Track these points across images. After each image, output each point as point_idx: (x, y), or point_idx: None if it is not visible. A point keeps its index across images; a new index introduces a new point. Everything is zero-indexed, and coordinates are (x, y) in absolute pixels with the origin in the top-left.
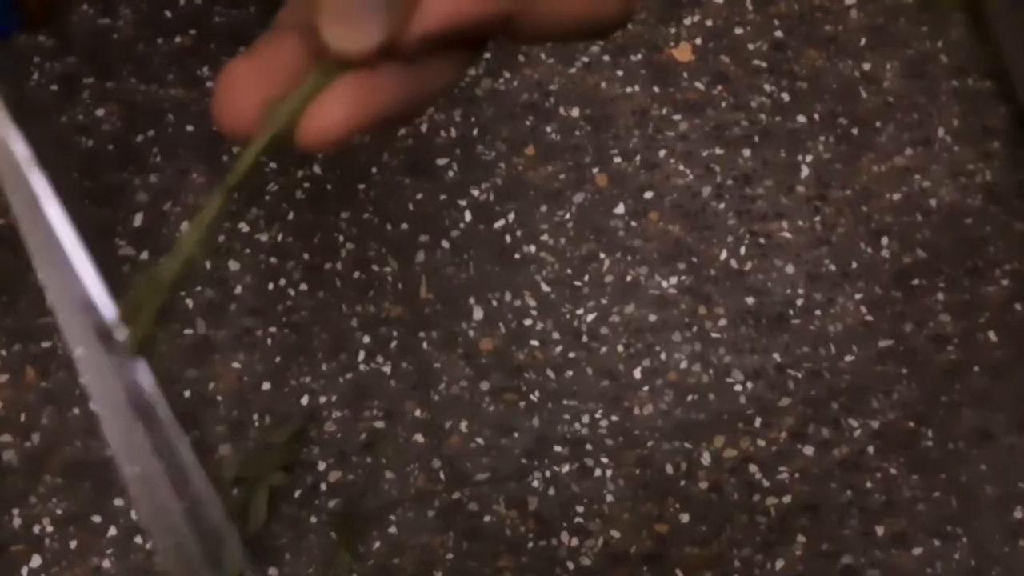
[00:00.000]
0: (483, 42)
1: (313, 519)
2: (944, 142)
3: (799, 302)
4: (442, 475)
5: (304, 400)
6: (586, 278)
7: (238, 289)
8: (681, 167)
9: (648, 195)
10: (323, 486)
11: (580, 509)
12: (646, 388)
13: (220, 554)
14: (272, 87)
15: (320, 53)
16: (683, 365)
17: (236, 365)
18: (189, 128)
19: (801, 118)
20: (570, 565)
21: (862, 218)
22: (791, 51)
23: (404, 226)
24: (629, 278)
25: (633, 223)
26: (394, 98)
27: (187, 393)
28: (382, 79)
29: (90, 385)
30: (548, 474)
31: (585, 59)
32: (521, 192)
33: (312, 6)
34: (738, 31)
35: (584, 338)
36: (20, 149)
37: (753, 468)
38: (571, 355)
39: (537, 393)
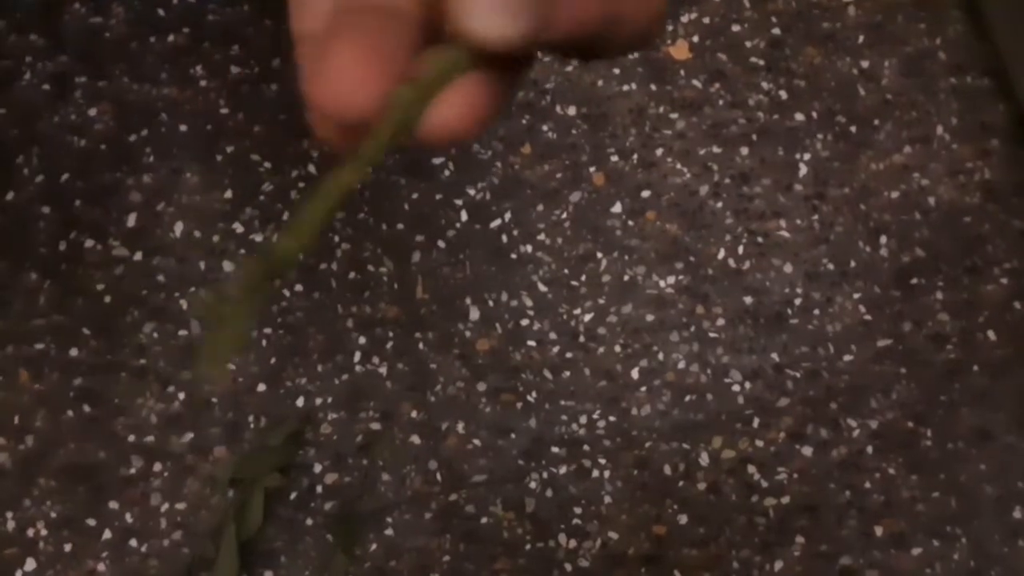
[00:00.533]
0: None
1: (309, 521)
2: (943, 140)
3: (797, 301)
4: (439, 477)
5: (300, 402)
6: (583, 278)
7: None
8: (678, 166)
9: (645, 194)
10: (319, 488)
11: (578, 510)
12: (644, 388)
13: None
14: (386, 75)
15: (450, 40)
16: (681, 365)
17: (231, 367)
18: (183, 127)
19: (799, 116)
20: (568, 567)
21: (860, 217)
22: (789, 49)
23: (400, 226)
24: (626, 278)
25: (630, 222)
26: (502, 101)
27: (181, 395)
28: (502, 78)
29: None
30: (545, 475)
31: None
32: (517, 191)
33: None
34: (735, 29)
35: (581, 338)
36: None
37: (751, 469)
38: (568, 355)
39: (534, 394)
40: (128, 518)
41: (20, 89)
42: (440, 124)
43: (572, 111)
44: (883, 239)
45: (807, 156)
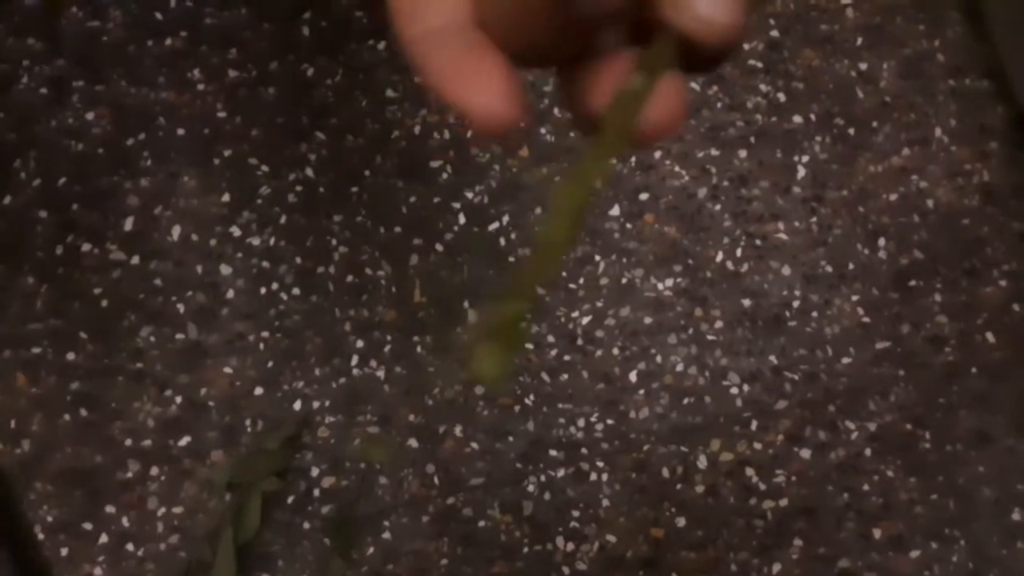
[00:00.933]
0: None
1: (307, 525)
2: (941, 142)
3: (795, 304)
4: (436, 480)
5: (297, 405)
6: (581, 281)
7: (230, 294)
8: (677, 168)
9: (643, 197)
10: (316, 492)
11: (575, 514)
12: (642, 391)
13: None
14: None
15: (656, 30)
16: (679, 368)
17: (228, 370)
18: (180, 131)
19: (797, 118)
20: (565, 570)
21: (859, 219)
22: (787, 51)
23: (397, 229)
24: (624, 280)
25: (628, 225)
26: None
27: (179, 399)
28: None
29: None
30: (543, 478)
31: None
32: (515, 194)
33: None
34: None
35: (579, 341)
36: None
37: (750, 471)
38: (566, 358)
39: (532, 397)
40: (125, 522)
41: (18, 93)
42: (655, 121)
43: (570, 114)
44: (881, 241)
45: (805, 158)
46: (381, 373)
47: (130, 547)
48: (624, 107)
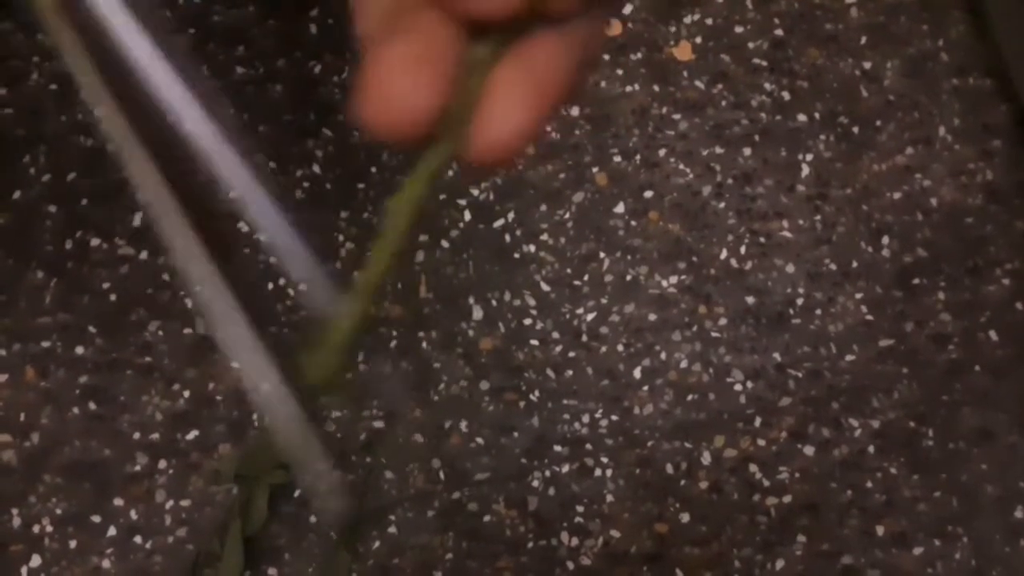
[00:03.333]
0: None
1: (313, 519)
2: (945, 141)
3: (799, 301)
4: (442, 475)
5: None
6: (586, 277)
7: None
8: (681, 166)
9: (648, 194)
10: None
11: (580, 509)
12: (646, 388)
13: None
14: (437, 76)
15: (466, 27)
16: (683, 365)
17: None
18: None
19: (801, 117)
20: (570, 565)
21: (862, 217)
22: (791, 50)
23: None
24: (629, 277)
25: (633, 222)
26: (560, 79)
27: (187, 393)
28: (544, 59)
29: None
30: (548, 474)
31: None
32: (520, 191)
33: None
34: (738, 30)
35: (584, 337)
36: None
37: (753, 468)
38: (571, 355)
39: (537, 393)
40: (133, 515)
41: (27, 89)
42: (492, 141)
43: (575, 111)
44: (885, 239)
45: (809, 157)
46: (387, 368)
47: (138, 540)
48: (454, 106)
